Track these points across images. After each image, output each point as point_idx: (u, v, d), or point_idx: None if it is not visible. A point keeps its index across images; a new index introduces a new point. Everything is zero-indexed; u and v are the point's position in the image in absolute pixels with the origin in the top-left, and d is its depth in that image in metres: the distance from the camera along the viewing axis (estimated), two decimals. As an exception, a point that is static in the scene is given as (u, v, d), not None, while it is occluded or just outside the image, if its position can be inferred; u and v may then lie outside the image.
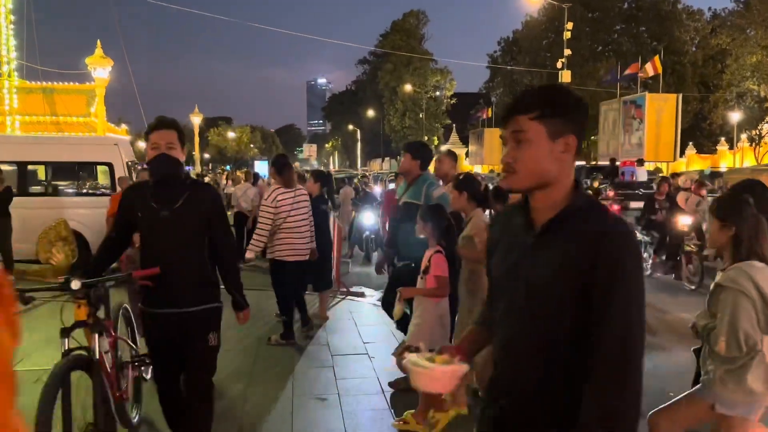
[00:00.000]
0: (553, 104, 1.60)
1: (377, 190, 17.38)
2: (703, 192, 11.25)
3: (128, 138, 20.56)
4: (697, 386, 3.04)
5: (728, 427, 2.89)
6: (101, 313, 3.49)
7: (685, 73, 42.45)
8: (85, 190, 11.64)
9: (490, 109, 45.54)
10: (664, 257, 10.53)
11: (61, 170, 11.65)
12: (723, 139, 37.41)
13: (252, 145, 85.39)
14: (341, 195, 15.23)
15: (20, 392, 1.05)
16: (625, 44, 45.48)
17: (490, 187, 6.12)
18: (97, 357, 3.20)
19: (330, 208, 8.46)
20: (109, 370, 3.46)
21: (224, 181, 29.30)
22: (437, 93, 58.53)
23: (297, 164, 54.05)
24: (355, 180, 22.82)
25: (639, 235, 9.75)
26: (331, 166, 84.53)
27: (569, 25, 31.61)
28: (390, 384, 5.07)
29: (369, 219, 12.20)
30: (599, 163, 29.85)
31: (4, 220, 9.54)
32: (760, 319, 2.78)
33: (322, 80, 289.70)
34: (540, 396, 1.60)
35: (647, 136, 29.44)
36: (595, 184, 17.34)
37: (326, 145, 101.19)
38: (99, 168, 11.47)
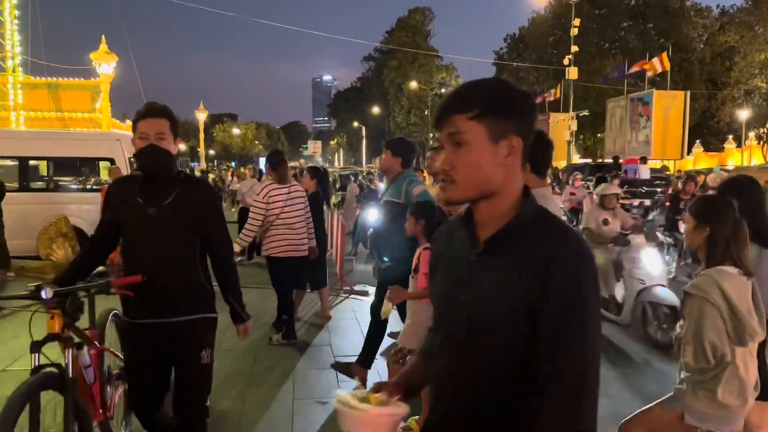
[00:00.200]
0: (494, 101, 1.39)
1: (382, 187, 17.27)
2: None
3: (132, 134, 20.49)
4: (669, 394, 2.88)
5: None
6: (85, 322, 3.13)
7: (693, 70, 42.26)
8: (86, 186, 11.55)
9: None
10: (689, 260, 10.09)
11: (63, 166, 11.57)
12: (731, 137, 37.21)
13: (257, 142, 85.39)
14: (347, 192, 15.17)
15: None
16: (632, 41, 45.35)
17: None
18: (71, 375, 2.80)
19: (336, 207, 8.34)
20: (90, 386, 3.11)
21: (230, 178, 29.53)
22: (443, 90, 58.39)
23: (302, 161, 54.12)
24: (360, 177, 22.75)
25: (661, 237, 9.47)
26: (336, 163, 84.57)
27: (576, 22, 31.44)
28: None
29: (373, 216, 12.08)
30: (603, 161, 29.67)
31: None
32: (728, 328, 2.61)
33: (327, 77, 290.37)
34: None
35: (654, 133, 29.31)
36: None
37: (331, 142, 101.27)
38: (101, 164, 11.39)
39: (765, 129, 34.96)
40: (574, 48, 31.80)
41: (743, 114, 35.55)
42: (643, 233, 6.81)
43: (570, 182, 13.41)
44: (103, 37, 21.97)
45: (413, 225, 4.13)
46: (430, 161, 5.65)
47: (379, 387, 1.61)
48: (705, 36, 44.88)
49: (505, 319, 1.33)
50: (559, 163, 31.93)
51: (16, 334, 6.08)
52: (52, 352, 2.80)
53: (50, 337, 2.80)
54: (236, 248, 6.23)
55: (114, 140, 11.22)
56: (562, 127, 34.00)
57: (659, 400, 2.93)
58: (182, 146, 69.45)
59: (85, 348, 3.09)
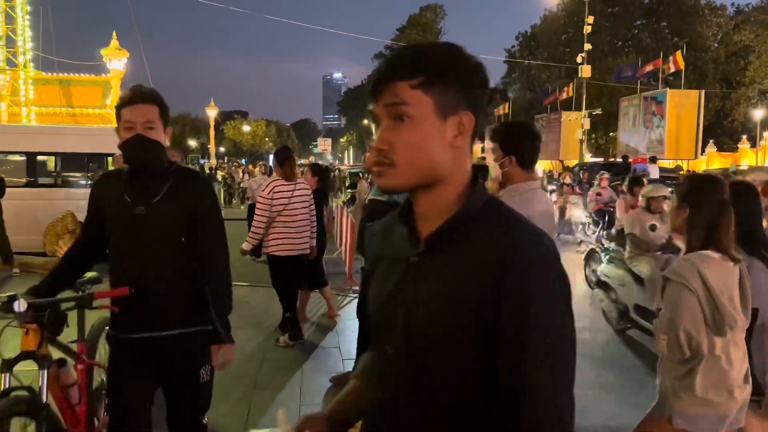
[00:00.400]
0: (446, 67, 1.12)
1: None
2: None
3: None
4: (654, 402, 2.65)
5: None
6: (71, 334, 2.79)
7: (707, 69, 41.84)
8: (94, 182, 11.49)
9: (507, 105, 45.10)
10: None
11: (71, 161, 11.51)
12: (745, 137, 36.79)
13: (267, 139, 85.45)
14: (357, 189, 15.12)
15: None
16: (645, 40, 44.98)
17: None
18: (44, 400, 2.48)
19: (346, 204, 8.20)
20: (74, 407, 2.78)
21: (240, 175, 29.66)
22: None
23: (312, 158, 54.13)
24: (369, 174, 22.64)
25: None
26: (346, 161, 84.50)
27: (590, 19, 31.15)
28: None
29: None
30: (614, 160, 29.39)
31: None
32: (706, 316, 2.40)
33: (337, 75, 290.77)
34: None
35: (668, 132, 29.03)
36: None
37: (341, 140, 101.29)
38: (109, 159, 11.32)
39: (780, 129, 34.57)
40: (588, 46, 31.52)
41: (758, 114, 35.15)
42: None
43: (596, 182, 13.16)
44: (114, 33, 22.00)
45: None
46: None
47: (307, 422, 1.36)
48: (719, 35, 44.40)
49: (452, 329, 1.09)
50: (571, 162, 31.66)
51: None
52: (33, 367, 2.52)
53: (23, 356, 2.51)
54: (246, 247, 6.13)
55: (122, 135, 11.18)
56: (574, 125, 33.71)
57: (648, 412, 2.69)
58: (193, 143, 69.66)
59: (70, 364, 2.81)
